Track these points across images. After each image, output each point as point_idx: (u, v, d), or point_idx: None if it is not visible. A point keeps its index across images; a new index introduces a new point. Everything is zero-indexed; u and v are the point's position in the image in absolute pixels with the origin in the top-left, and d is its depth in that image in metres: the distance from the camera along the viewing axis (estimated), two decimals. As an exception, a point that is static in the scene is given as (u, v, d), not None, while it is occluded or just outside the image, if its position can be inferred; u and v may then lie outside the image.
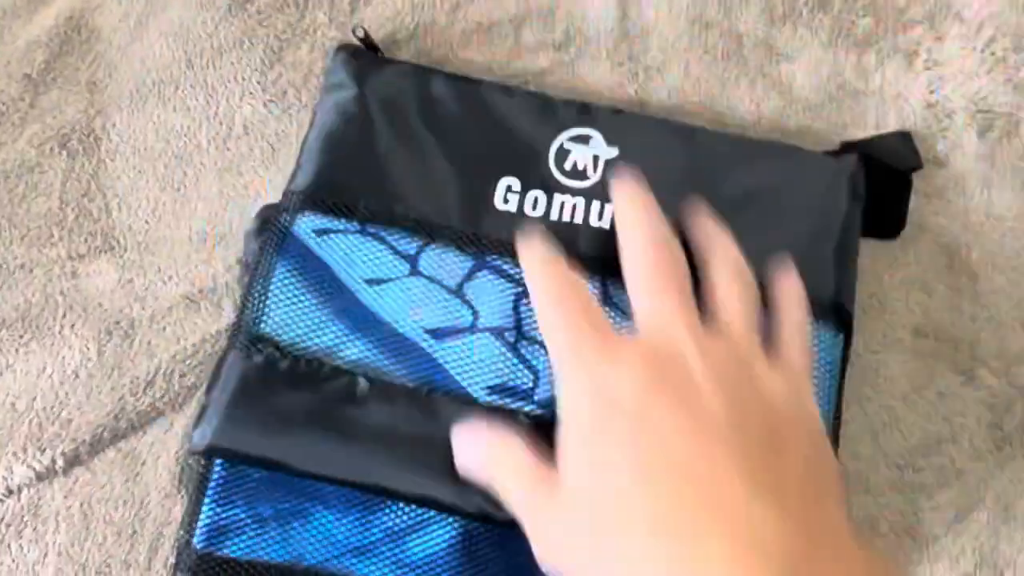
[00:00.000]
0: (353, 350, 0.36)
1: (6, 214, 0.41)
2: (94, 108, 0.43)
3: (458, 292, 0.38)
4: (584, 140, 0.40)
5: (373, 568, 0.35)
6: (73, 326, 0.39)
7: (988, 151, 0.43)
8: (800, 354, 0.33)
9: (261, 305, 0.37)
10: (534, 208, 0.39)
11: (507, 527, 0.34)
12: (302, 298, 0.37)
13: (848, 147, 0.41)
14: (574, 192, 0.39)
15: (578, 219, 0.39)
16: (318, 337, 0.36)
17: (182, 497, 0.37)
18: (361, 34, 0.42)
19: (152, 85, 0.43)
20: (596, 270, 0.38)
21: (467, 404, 0.35)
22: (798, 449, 0.30)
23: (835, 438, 0.37)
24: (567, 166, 0.40)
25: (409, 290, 0.37)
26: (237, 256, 0.41)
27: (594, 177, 0.40)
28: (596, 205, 0.39)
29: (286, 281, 0.37)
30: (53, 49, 0.43)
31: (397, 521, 0.36)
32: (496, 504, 0.34)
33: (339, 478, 0.35)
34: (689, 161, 0.40)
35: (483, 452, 0.33)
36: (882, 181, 0.40)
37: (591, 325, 0.32)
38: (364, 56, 0.41)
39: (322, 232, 0.38)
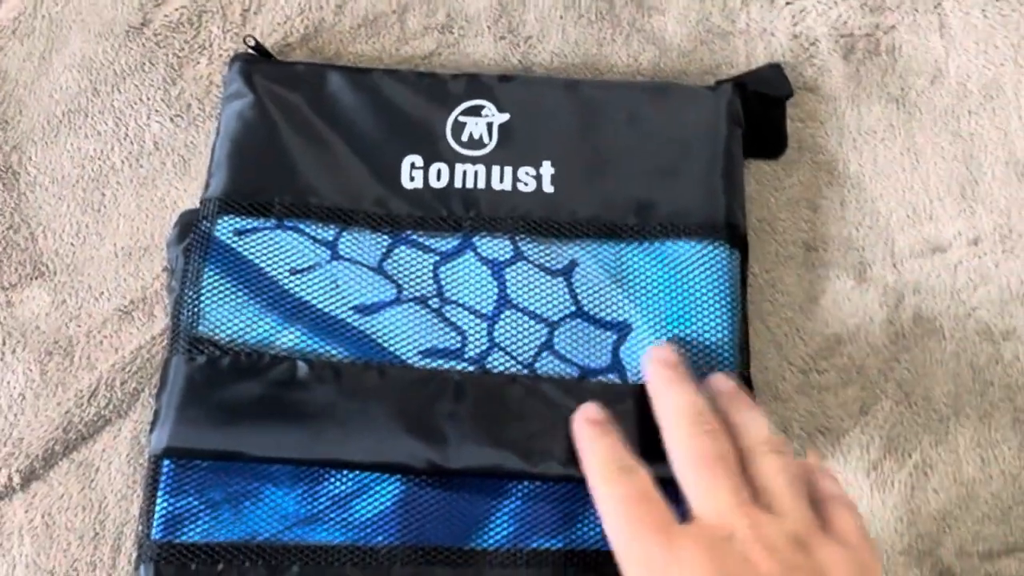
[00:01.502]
0: (289, 337, 0.38)
1: (-64, 256, 0.43)
2: (8, 145, 0.45)
3: (379, 269, 0.40)
4: (477, 111, 0.43)
5: (324, 534, 0.37)
6: (14, 351, 0.41)
7: (854, 71, 0.46)
8: (853, 524, 0.33)
9: (196, 309, 0.39)
10: (438, 180, 0.41)
11: (451, 475, 0.37)
12: (233, 296, 0.39)
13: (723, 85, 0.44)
14: (474, 160, 0.42)
15: (480, 184, 0.41)
16: (254, 330, 0.39)
17: (137, 496, 0.39)
18: (252, 43, 0.44)
19: (62, 116, 0.45)
20: (505, 230, 0.40)
21: (401, 369, 0.38)
22: None
23: (745, 351, 0.39)
24: (464, 138, 0.42)
25: (332, 274, 0.40)
26: (163, 265, 0.43)
27: (490, 144, 0.42)
28: (496, 170, 0.42)
29: (215, 283, 0.39)
30: (-38, 95, 0.45)
31: (341, 488, 0.38)
32: (443, 453, 0.36)
33: (294, 458, 0.37)
34: (578, 112, 0.42)
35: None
36: (759, 109, 0.43)
37: (651, 518, 0.32)
38: (258, 63, 0.44)
39: (242, 232, 0.40)
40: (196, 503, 0.37)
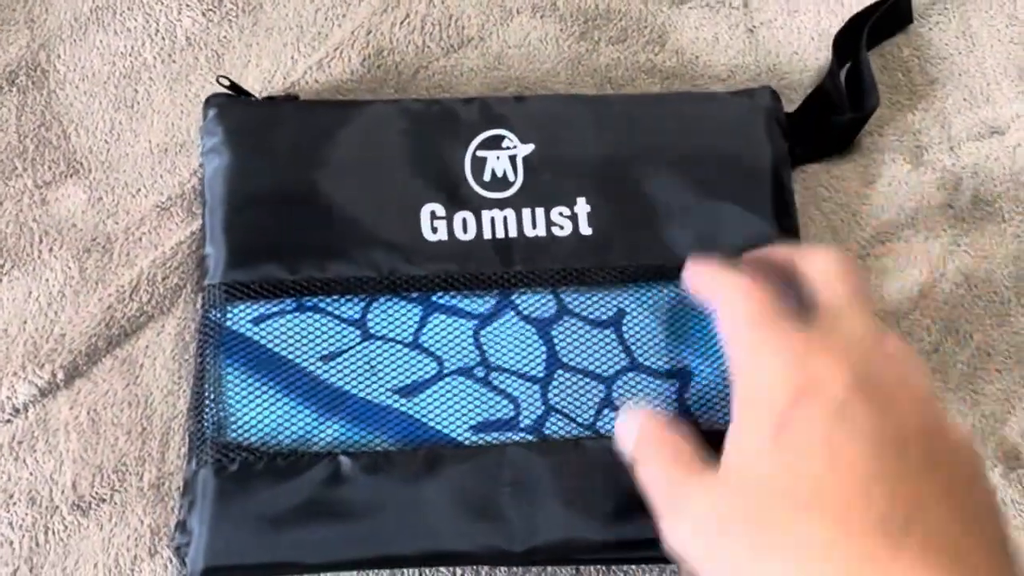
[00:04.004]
0: (328, 432, 0.35)
1: (-33, 155, 0.42)
2: (36, 43, 0.43)
3: (415, 344, 0.36)
4: (496, 143, 0.39)
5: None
6: (51, 249, 0.40)
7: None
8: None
9: (220, 412, 0.35)
10: (464, 231, 0.38)
11: (519, 563, 0.35)
12: (261, 394, 0.35)
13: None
14: (501, 204, 0.38)
15: (512, 232, 0.38)
16: (289, 429, 0.35)
17: (184, 392, 0.38)
18: (227, 83, 0.40)
19: (90, 13, 0.44)
20: (545, 282, 0.37)
21: (454, 449, 0.35)
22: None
23: None
24: (486, 177, 0.38)
25: (366, 356, 0.36)
26: (200, 160, 0.41)
27: (516, 182, 0.38)
28: (527, 213, 0.38)
29: (239, 382, 0.36)
30: (-14, -8, 0.44)
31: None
32: (508, 538, 0.33)
33: (349, 560, 0.33)
34: (607, 133, 0.39)
35: (637, 437, 0.32)
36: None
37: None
38: (235, 106, 0.39)
39: (259, 320, 0.36)
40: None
